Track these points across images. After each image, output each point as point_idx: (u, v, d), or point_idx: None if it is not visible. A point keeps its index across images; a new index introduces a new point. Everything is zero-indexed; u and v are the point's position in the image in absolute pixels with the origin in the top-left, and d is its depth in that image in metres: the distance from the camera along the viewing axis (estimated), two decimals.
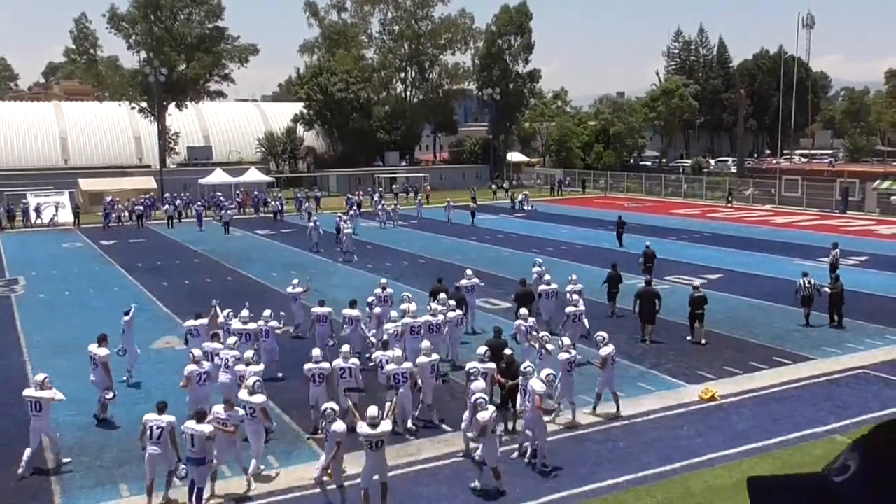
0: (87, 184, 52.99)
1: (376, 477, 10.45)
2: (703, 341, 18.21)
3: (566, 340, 14.13)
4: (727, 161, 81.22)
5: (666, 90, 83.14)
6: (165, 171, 57.54)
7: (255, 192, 53.01)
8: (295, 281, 20.36)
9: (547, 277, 19.94)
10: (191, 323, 16.05)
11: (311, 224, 34.94)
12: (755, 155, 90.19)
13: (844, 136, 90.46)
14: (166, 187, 54.29)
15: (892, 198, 45.15)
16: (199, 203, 47.03)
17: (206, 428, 10.54)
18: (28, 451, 11.75)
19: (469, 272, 20.67)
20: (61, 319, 22.19)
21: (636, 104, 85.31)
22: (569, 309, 17.47)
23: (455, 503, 10.86)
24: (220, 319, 16.52)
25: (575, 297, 18.20)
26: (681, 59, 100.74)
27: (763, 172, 58.14)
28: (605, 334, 14.33)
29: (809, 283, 19.84)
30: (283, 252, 34.77)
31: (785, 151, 71.82)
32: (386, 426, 10.56)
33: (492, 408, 11.28)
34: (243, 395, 11.93)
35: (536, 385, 11.80)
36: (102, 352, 13.91)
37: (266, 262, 31.69)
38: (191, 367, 13.15)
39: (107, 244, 37.81)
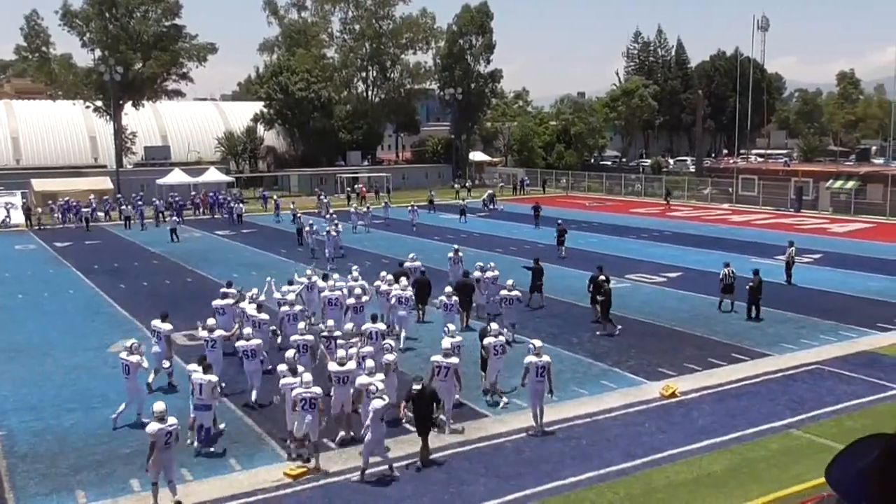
0: (40, 184, 51.62)
1: (342, 407, 12.68)
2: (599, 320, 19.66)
3: (451, 326, 14.92)
4: (686, 161, 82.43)
5: (626, 90, 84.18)
6: (122, 172, 56.47)
7: (212, 193, 52.00)
8: (308, 271, 21.59)
9: (479, 264, 21.98)
10: (217, 302, 18.04)
11: (308, 228, 33.82)
12: (713, 154, 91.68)
13: (798, 136, 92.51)
14: (123, 188, 53.21)
15: (842, 196, 46.37)
16: (140, 203, 45.81)
17: (213, 378, 12.58)
18: (122, 406, 13.46)
19: (412, 255, 23.07)
20: (15, 323, 21.61)
21: (597, 104, 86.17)
22: (502, 292, 18.70)
23: (421, 502, 10.86)
24: (276, 295, 18.81)
25: (509, 282, 19.11)
26: (640, 60, 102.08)
27: (721, 172, 59.05)
28: (496, 325, 15.11)
29: (732, 273, 21.24)
30: (243, 252, 34.36)
31: (742, 151, 73.14)
32: (351, 365, 12.99)
33: (387, 398, 11.72)
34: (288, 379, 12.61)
35: (547, 357, 13.17)
36: (166, 326, 15.56)
37: (225, 262, 31.26)
38: (201, 333, 15.32)
39: (61, 246, 36.94)
